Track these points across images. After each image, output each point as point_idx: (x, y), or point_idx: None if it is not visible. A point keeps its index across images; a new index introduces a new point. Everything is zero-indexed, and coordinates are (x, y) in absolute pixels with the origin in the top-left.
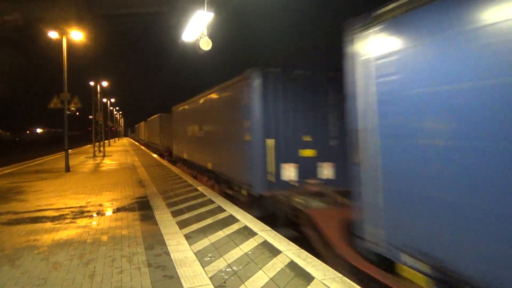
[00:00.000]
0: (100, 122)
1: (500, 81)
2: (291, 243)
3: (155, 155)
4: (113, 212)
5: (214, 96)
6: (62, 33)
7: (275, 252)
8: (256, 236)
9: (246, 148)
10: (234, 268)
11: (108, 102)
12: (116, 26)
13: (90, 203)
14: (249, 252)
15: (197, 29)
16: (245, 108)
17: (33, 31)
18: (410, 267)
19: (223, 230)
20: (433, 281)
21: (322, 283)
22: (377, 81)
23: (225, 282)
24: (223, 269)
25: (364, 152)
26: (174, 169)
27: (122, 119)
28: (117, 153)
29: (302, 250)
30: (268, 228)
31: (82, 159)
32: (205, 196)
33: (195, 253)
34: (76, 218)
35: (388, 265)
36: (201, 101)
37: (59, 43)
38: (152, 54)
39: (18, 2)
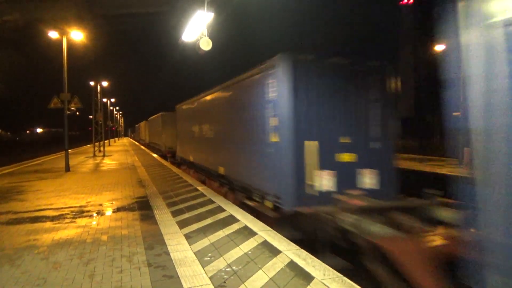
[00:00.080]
0: (100, 122)
1: None
2: (291, 243)
3: (155, 155)
4: (113, 212)
5: (227, 91)
6: (62, 33)
7: (275, 252)
8: (256, 236)
9: (272, 151)
10: (234, 268)
11: (108, 102)
12: (116, 26)
13: (90, 203)
14: (249, 252)
15: (197, 29)
16: (271, 103)
17: (33, 31)
18: None
19: (223, 230)
20: None
21: (322, 283)
22: None
23: (225, 282)
24: (223, 269)
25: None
26: (174, 169)
27: (122, 119)
28: (117, 153)
29: (302, 250)
30: (268, 228)
31: (82, 159)
32: (205, 196)
33: (195, 253)
34: (76, 218)
35: None
36: (211, 97)
37: (59, 43)
38: (152, 54)
39: (18, 2)
